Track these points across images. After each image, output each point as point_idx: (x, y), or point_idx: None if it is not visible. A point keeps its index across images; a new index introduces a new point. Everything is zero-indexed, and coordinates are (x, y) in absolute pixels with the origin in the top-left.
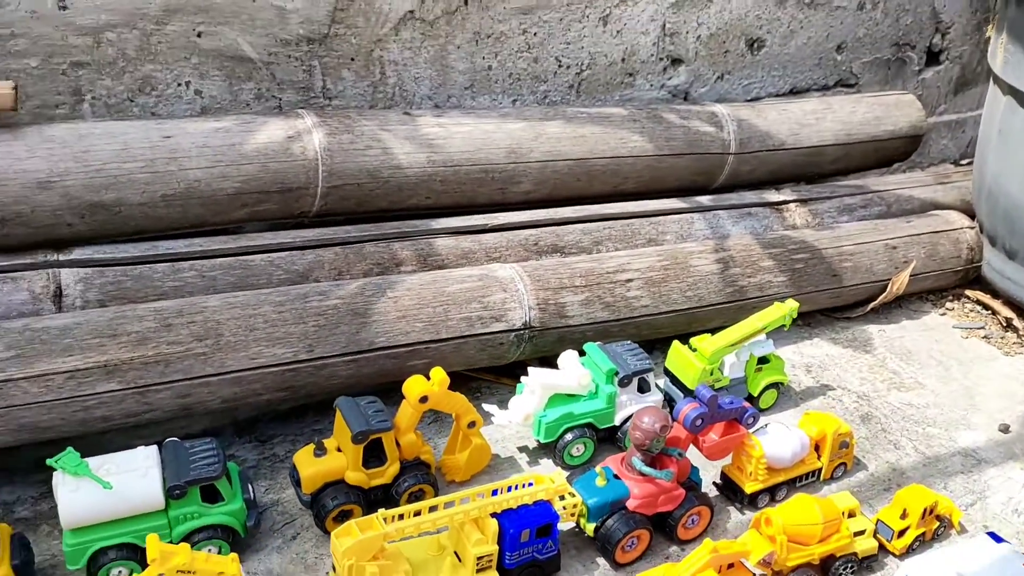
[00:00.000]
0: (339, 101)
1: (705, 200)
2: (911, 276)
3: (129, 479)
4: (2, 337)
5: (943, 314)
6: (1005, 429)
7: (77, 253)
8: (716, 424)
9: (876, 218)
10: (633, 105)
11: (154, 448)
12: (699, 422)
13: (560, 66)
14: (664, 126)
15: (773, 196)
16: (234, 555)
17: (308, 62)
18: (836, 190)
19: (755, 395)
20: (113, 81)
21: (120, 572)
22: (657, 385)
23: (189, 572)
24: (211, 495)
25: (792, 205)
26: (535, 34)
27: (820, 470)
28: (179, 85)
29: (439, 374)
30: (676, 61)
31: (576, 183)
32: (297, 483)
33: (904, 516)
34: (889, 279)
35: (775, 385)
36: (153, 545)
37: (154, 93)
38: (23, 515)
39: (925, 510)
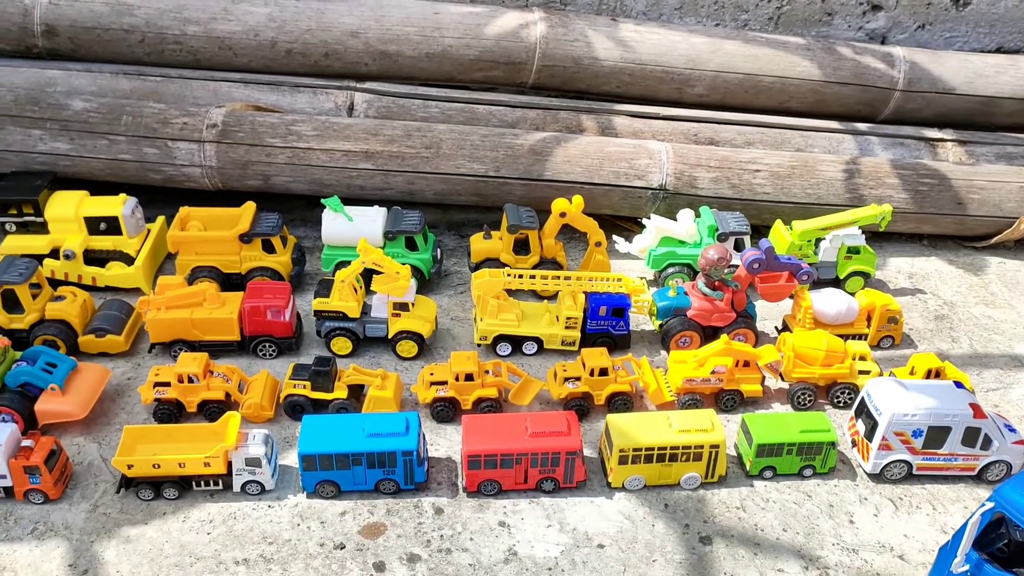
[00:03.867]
0: (571, 7)
1: (861, 126)
2: None
3: (364, 220)
4: (312, 124)
5: None
6: None
7: (368, 84)
8: (779, 275)
9: None
10: (812, 36)
11: (384, 209)
12: (756, 266)
13: None
14: (835, 57)
15: (930, 132)
16: (407, 266)
17: None
18: (1000, 137)
19: (841, 278)
20: None
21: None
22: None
23: (379, 266)
24: (412, 245)
25: (949, 144)
26: None
27: (866, 336)
28: None
29: (578, 199)
30: (876, 7)
31: (744, 94)
32: (469, 255)
33: (912, 373)
34: (1018, 218)
35: (863, 275)
36: (362, 243)
37: None
38: (306, 244)
39: (930, 371)
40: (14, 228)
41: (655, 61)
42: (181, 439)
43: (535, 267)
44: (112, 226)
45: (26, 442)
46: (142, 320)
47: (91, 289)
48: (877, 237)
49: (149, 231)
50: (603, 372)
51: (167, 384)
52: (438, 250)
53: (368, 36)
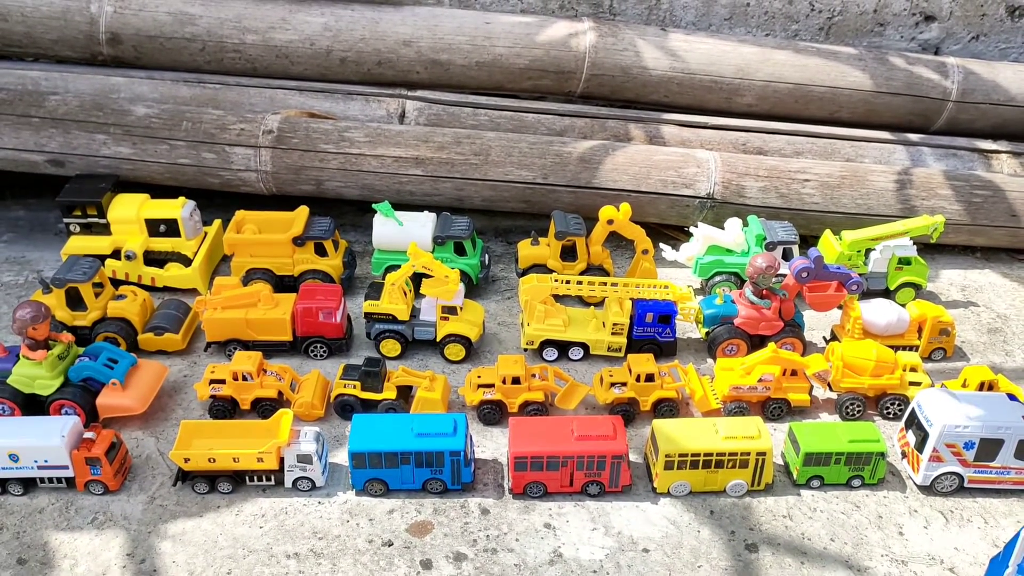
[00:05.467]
0: (620, 18)
1: (913, 136)
2: None
3: (414, 225)
4: (364, 130)
5: None
6: None
7: (419, 92)
8: (828, 284)
9: None
10: (863, 46)
11: (433, 214)
12: (804, 274)
13: (813, 10)
14: (887, 67)
15: (984, 144)
16: (456, 270)
17: None
18: None
19: (891, 289)
20: None
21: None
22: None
23: (428, 271)
24: (460, 250)
25: (1004, 155)
26: None
27: (917, 347)
28: None
29: (625, 206)
30: (929, 18)
31: (794, 104)
32: (516, 261)
33: (964, 386)
34: None
35: (914, 286)
36: (412, 248)
37: None
38: (356, 248)
39: (983, 384)
40: (78, 229)
41: (704, 70)
42: (235, 435)
43: (582, 274)
44: (171, 228)
45: (88, 434)
46: (198, 319)
47: (150, 289)
48: (929, 249)
49: (206, 233)
50: (649, 378)
51: (222, 381)
52: (486, 256)
53: (420, 45)
